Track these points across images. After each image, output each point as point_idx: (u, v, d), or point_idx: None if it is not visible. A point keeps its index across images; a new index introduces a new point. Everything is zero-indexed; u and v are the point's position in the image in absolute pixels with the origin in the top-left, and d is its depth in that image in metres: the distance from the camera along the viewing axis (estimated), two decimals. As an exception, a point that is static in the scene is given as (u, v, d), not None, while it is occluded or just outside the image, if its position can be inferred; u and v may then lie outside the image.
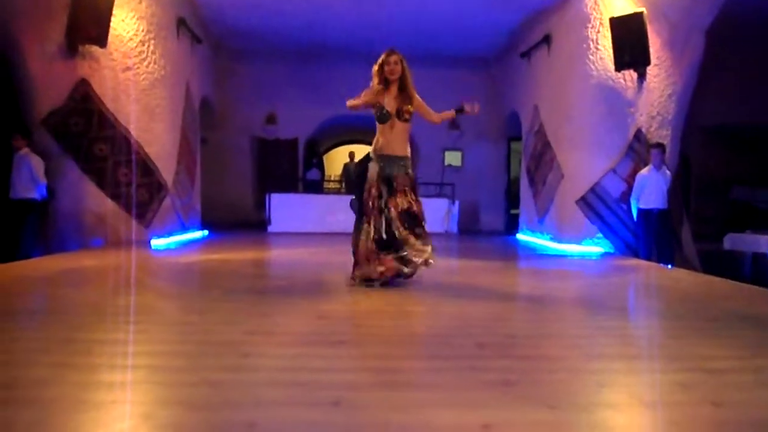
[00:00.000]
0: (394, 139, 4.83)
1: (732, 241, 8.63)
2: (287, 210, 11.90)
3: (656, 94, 8.33)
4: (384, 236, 4.69)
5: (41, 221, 7.66)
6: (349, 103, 4.88)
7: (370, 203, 4.77)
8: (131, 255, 7.08)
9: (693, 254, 8.35)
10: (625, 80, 8.54)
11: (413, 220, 4.75)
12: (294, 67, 13.63)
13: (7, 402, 2.02)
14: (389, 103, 4.81)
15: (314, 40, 12.63)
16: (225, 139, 13.66)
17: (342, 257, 6.03)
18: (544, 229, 10.34)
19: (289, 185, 13.46)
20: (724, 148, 10.98)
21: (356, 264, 4.86)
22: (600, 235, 8.80)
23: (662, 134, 8.30)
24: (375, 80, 4.84)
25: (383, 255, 4.71)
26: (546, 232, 10.22)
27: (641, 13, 8.08)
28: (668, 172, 7.81)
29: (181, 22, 9.87)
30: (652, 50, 8.10)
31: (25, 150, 7.37)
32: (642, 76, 8.34)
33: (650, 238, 7.77)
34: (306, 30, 11.99)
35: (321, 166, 15.05)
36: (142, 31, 8.58)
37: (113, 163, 8.14)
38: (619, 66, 8.39)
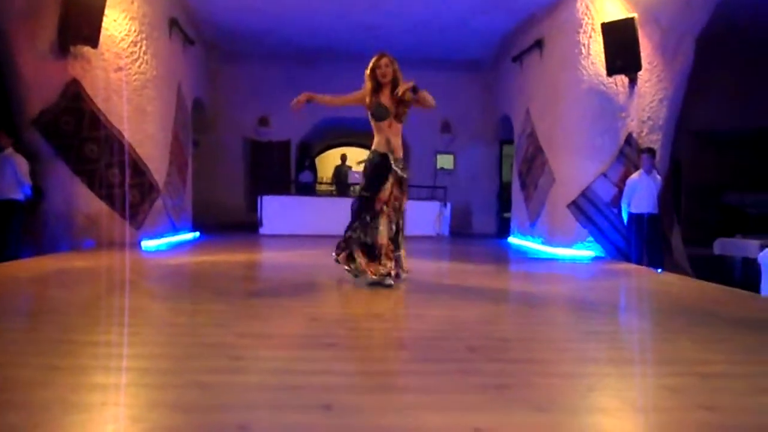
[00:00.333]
0: (393, 139, 4.93)
1: (722, 246, 8.70)
2: (279, 212, 11.87)
3: (647, 99, 8.38)
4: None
5: (26, 221, 7.60)
6: (338, 100, 5.11)
7: (387, 200, 4.85)
8: (122, 256, 7.05)
9: (683, 259, 8.41)
10: (616, 85, 8.59)
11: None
12: (287, 69, 13.61)
13: (-4, 404, 2.00)
14: (387, 100, 4.89)
15: (307, 42, 12.63)
16: (217, 140, 13.62)
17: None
18: (536, 232, 10.36)
19: (281, 187, 13.44)
20: (714, 152, 11.07)
21: (375, 260, 4.83)
22: (591, 239, 8.83)
23: (653, 139, 8.35)
24: (368, 84, 4.92)
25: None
26: (537, 236, 10.25)
27: (632, 19, 8.13)
28: (659, 176, 7.86)
29: (173, 23, 9.84)
30: (643, 55, 8.16)
31: (10, 150, 7.30)
32: (633, 81, 8.39)
33: (641, 242, 7.82)
34: (299, 32, 11.99)
35: (314, 169, 15.04)
36: (134, 31, 8.54)
37: (104, 164, 8.10)
38: (611, 71, 8.44)
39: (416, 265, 6.04)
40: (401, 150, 5.01)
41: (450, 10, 10.57)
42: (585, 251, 8.72)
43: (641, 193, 7.74)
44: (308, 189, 14.21)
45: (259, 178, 13.53)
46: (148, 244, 8.25)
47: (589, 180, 8.81)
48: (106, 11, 7.85)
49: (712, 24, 7.85)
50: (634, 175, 7.88)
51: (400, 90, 4.77)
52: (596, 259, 8.29)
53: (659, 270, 7.14)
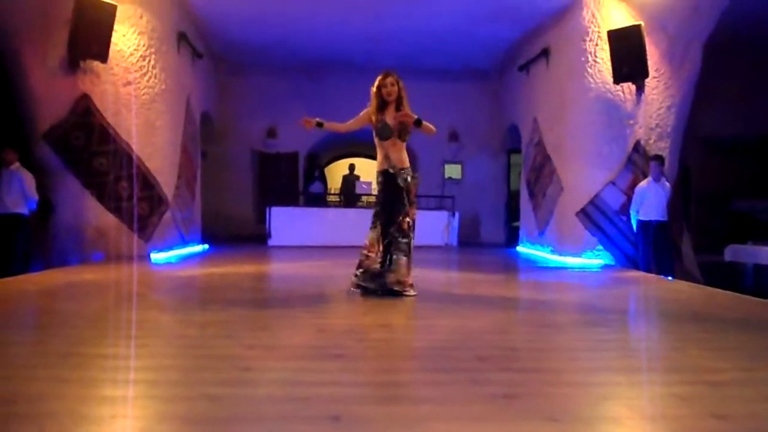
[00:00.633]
0: (393, 154, 5.04)
1: (733, 253, 8.63)
2: (288, 223, 11.89)
3: (655, 106, 8.36)
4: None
5: (35, 235, 7.65)
6: (343, 128, 5.23)
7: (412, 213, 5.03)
8: (131, 269, 7.07)
9: (694, 266, 8.35)
10: (623, 93, 8.58)
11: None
12: (294, 81, 13.69)
13: (7, 417, 2.01)
14: (392, 120, 5.00)
15: (315, 54, 12.70)
16: (225, 152, 13.68)
17: (342, 270, 6.04)
18: (545, 241, 10.33)
19: (289, 199, 13.46)
20: (724, 159, 11.01)
21: (409, 270, 4.99)
22: (600, 247, 8.79)
23: (661, 146, 8.33)
24: (373, 102, 5.05)
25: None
26: (546, 245, 10.22)
27: (639, 26, 8.13)
28: (667, 183, 7.83)
29: (181, 37, 9.92)
30: (650, 63, 8.15)
31: (16, 165, 7.36)
32: (640, 89, 8.38)
33: (650, 249, 7.77)
34: (306, 44, 12.06)
35: (324, 179, 15.06)
36: (143, 45, 8.62)
37: (114, 178, 8.15)
38: (618, 78, 8.43)
39: (425, 275, 6.04)
40: (405, 161, 5.10)
41: (456, 20, 10.61)
42: (594, 259, 8.68)
43: (650, 201, 7.70)
44: (319, 200, 14.23)
45: (268, 189, 13.55)
46: (157, 256, 8.29)
47: (598, 188, 8.78)
48: (115, 26, 7.93)
49: (719, 31, 7.84)
50: (643, 183, 7.85)
51: (403, 117, 4.91)
52: (606, 267, 8.25)
53: (669, 277, 7.10)
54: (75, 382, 2.42)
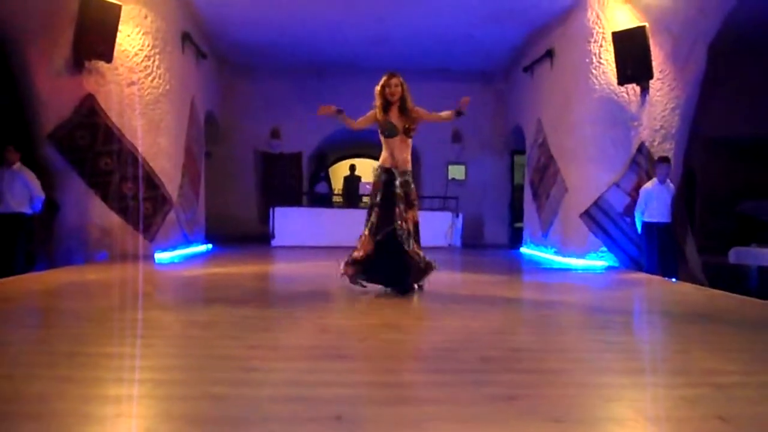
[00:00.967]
0: (399, 154, 5.17)
1: (737, 255, 8.60)
2: (291, 224, 11.90)
3: (659, 108, 8.34)
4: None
5: (40, 235, 7.67)
6: (354, 125, 5.28)
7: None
8: (135, 268, 7.09)
9: (698, 268, 8.32)
10: (628, 94, 8.56)
11: (417, 234, 5.18)
12: (298, 82, 13.70)
13: (11, 416, 2.01)
14: (397, 120, 5.13)
15: (319, 55, 12.72)
16: (229, 153, 13.70)
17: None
18: (548, 242, 10.32)
19: (293, 199, 13.48)
20: (728, 161, 10.97)
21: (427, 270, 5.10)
22: (604, 248, 8.77)
23: (666, 147, 8.31)
24: (378, 101, 5.15)
25: None
26: (550, 246, 10.20)
27: (644, 27, 8.12)
28: (672, 185, 7.81)
29: (186, 37, 9.94)
30: (654, 64, 8.13)
31: (18, 164, 7.37)
32: (645, 90, 8.36)
33: (655, 251, 7.74)
34: (310, 45, 12.08)
35: (329, 180, 15.07)
36: (148, 46, 8.64)
37: (118, 177, 8.18)
38: (622, 80, 8.42)
39: (428, 276, 6.02)
40: (409, 163, 5.22)
41: (460, 21, 10.60)
42: (598, 261, 8.67)
43: (655, 202, 7.67)
44: (324, 200, 14.25)
45: (271, 190, 13.58)
46: (161, 256, 8.30)
47: (602, 189, 8.76)
48: (120, 26, 7.95)
49: (724, 31, 7.82)
50: (648, 184, 7.82)
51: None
52: (610, 268, 8.24)
53: (673, 279, 7.08)
54: (79, 381, 2.43)
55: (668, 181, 7.76)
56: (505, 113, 13.82)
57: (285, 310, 4.49)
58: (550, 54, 10.49)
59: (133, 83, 8.42)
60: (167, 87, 9.09)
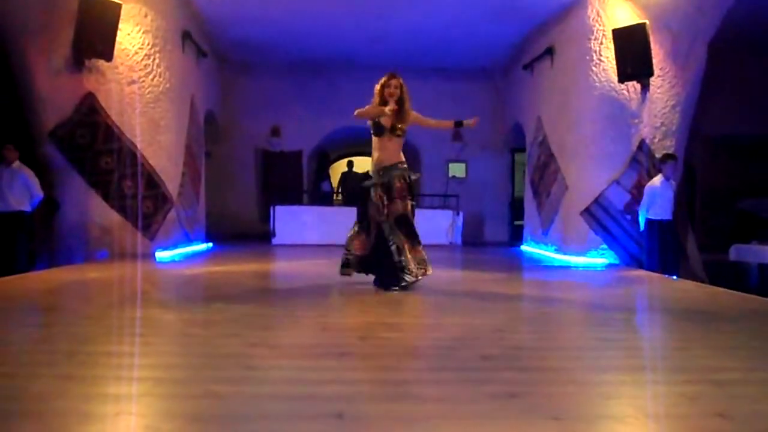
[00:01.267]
0: (389, 151, 5.29)
1: (738, 252, 8.60)
2: (292, 222, 11.89)
3: (660, 105, 8.34)
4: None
5: (41, 233, 7.68)
6: (358, 111, 5.28)
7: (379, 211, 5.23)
8: (136, 267, 7.09)
9: (698, 265, 8.33)
10: (628, 91, 8.55)
11: (408, 224, 5.23)
12: (298, 80, 13.70)
13: (12, 414, 2.01)
14: (386, 119, 5.21)
15: (319, 53, 12.70)
16: (229, 151, 13.70)
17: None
18: (549, 240, 10.31)
19: (293, 197, 13.47)
20: (729, 158, 10.97)
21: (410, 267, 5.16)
22: (604, 246, 8.77)
23: (666, 145, 8.30)
24: (376, 99, 5.25)
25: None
26: (550, 244, 10.20)
27: (644, 25, 8.11)
28: (673, 182, 7.80)
29: (186, 36, 9.94)
30: (655, 61, 8.12)
31: (17, 163, 7.37)
32: (645, 87, 8.35)
33: (660, 248, 7.68)
34: (310, 43, 12.06)
35: (330, 178, 15.07)
36: (148, 44, 8.63)
37: (119, 176, 8.18)
38: (623, 77, 8.41)
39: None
40: (397, 156, 5.32)
41: (460, 18, 10.59)
42: (599, 259, 8.66)
43: (661, 200, 7.60)
44: (329, 198, 14.25)
45: (272, 188, 13.57)
46: (161, 255, 8.31)
47: (602, 187, 8.76)
48: (120, 25, 7.95)
49: (724, 29, 7.81)
50: (655, 182, 7.70)
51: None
52: (610, 266, 8.24)
53: (674, 277, 7.08)
54: (79, 379, 2.43)
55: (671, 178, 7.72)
56: (505, 111, 13.81)
57: (285, 309, 4.50)
58: (550, 51, 10.48)
59: (133, 82, 8.42)
60: (167, 86, 9.08)
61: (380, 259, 5.20)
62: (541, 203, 10.76)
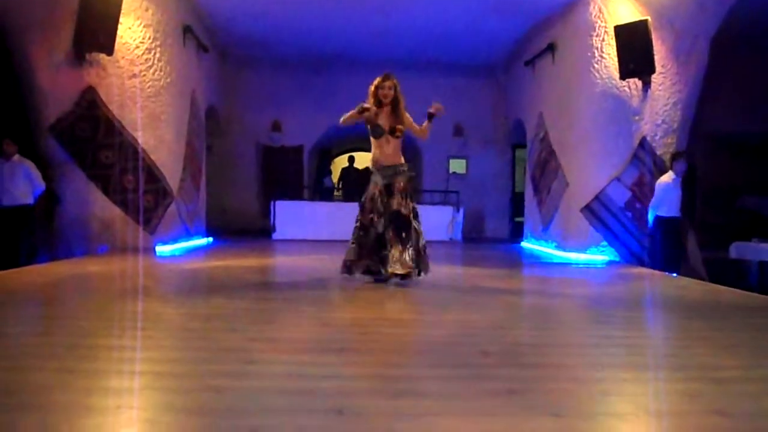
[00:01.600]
0: (389, 152, 5.30)
1: (738, 250, 8.59)
2: (292, 217, 11.89)
3: (661, 102, 8.32)
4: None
5: (41, 227, 7.68)
6: (342, 119, 5.31)
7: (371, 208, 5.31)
8: (136, 261, 7.10)
9: (699, 263, 8.32)
10: (629, 88, 8.54)
11: (402, 223, 5.20)
12: (299, 75, 13.69)
13: (13, 407, 2.02)
14: (383, 121, 5.24)
15: (320, 48, 12.68)
16: (230, 146, 13.70)
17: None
18: (549, 237, 10.31)
19: (294, 192, 13.46)
20: (730, 156, 10.94)
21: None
22: (605, 243, 8.77)
23: (667, 142, 8.29)
24: (370, 99, 5.26)
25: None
26: (551, 240, 10.20)
27: (646, 21, 8.08)
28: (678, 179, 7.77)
29: (187, 30, 9.91)
30: (656, 58, 8.10)
31: (17, 156, 7.37)
32: (647, 84, 8.33)
33: (666, 245, 7.64)
34: (312, 38, 12.04)
35: (331, 174, 15.06)
36: (149, 38, 8.62)
37: (119, 170, 8.18)
38: (624, 74, 8.39)
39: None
40: (397, 157, 5.34)
41: (461, 14, 10.57)
42: (599, 256, 8.67)
43: (672, 198, 7.54)
44: (330, 194, 14.25)
45: (272, 183, 13.57)
46: (162, 249, 8.31)
47: (603, 184, 8.75)
48: (121, 19, 7.93)
49: (727, 26, 7.79)
50: (667, 179, 7.62)
51: (399, 132, 5.26)
52: (610, 263, 8.24)
53: (674, 274, 7.08)
54: (80, 373, 2.44)
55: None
56: (506, 107, 13.80)
57: (285, 304, 4.51)
58: (551, 48, 10.46)
59: (134, 76, 8.41)
60: (168, 80, 9.07)
61: (377, 251, 5.30)
62: (541, 200, 10.76)
